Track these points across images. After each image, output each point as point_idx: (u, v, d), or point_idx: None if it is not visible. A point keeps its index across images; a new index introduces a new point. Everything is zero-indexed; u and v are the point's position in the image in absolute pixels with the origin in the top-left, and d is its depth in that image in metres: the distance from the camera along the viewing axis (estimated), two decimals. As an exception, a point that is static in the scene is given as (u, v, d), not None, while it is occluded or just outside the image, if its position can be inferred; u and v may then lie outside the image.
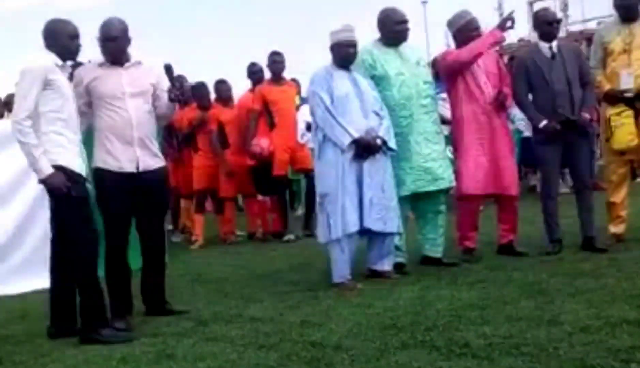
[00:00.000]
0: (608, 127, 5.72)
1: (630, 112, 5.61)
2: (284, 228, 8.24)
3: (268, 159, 7.98)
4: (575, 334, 3.48)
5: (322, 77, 5.35)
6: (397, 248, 5.51)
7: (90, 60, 4.81)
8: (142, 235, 4.84)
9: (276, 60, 8.14)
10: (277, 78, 8.14)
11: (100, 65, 4.70)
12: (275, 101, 7.97)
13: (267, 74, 8.30)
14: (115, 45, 4.65)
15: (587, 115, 5.66)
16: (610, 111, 5.70)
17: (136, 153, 4.64)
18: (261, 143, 7.91)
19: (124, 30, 4.69)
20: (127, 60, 4.71)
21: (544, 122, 5.67)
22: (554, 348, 3.29)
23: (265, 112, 8.06)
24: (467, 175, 5.68)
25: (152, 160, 4.73)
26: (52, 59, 4.35)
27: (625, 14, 5.76)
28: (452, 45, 6.20)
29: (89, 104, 4.65)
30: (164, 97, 4.80)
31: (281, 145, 7.97)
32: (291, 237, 8.06)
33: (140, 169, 4.66)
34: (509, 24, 5.73)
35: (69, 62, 4.52)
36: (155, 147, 4.82)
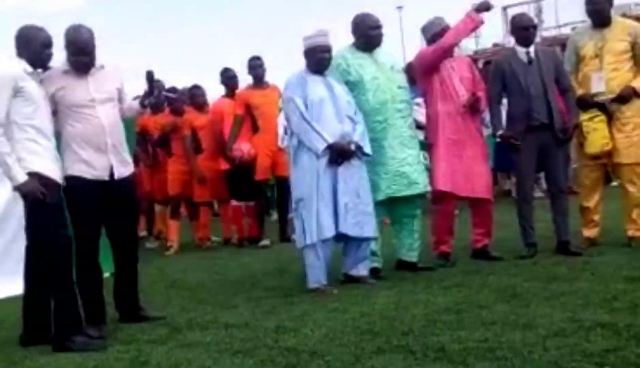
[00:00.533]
0: (581, 132, 5.77)
1: (603, 117, 5.67)
2: (260, 233, 8.21)
3: (249, 163, 7.94)
4: (549, 338, 3.49)
5: (297, 82, 5.35)
6: (373, 253, 5.51)
7: (53, 67, 4.64)
8: (113, 242, 4.80)
9: (257, 65, 8.14)
10: (259, 82, 8.12)
11: (65, 72, 4.59)
12: (258, 105, 7.95)
13: (241, 79, 8.32)
14: (88, 59, 4.57)
15: (573, 122, 5.70)
16: (583, 116, 5.75)
17: (110, 160, 4.60)
18: (242, 147, 7.88)
19: (93, 39, 4.59)
20: (93, 61, 4.63)
21: (500, 132, 5.77)
22: (529, 352, 3.30)
23: (248, 116, 8.03)
24: (442, 173, 5.69)
25: (124, 167, 4.69)
26: (22, 65, 4.29)
27: (597, 19, 5.81)
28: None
29: (54, 113, 4.55)
30: (128, 99, 4.78)
31: (264, 150, 7.96)
32: (267, 242, 8.04)
33: (115, 177, 4.62)
34: (485, 5, 5.67)
35: (39, 69, 4.45)
36: (126, 152, 4.78)
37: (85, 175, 4.56)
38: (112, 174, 4.62)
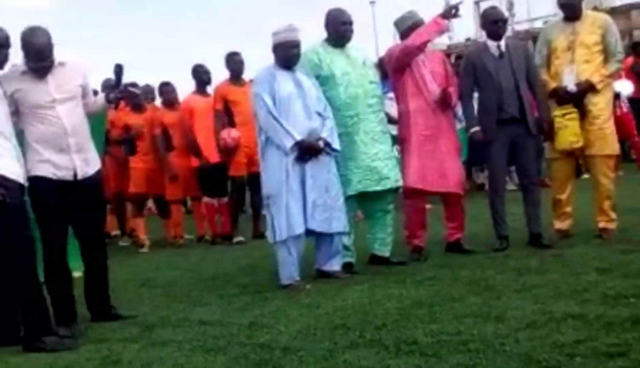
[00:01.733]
0: (552, 128, 5.80)
1: (574, 115, 5.69)
2: (233, 230, 8.18)
3: (234, 149, 7.83)
4: (521, 330, 3.51)
5: (265, 78, 5.32)
6: (346, 248, 5.52)
7: (14, 65, 4.54)
8: (81, 242, 4.74)
9: (236, 60, 8.08)
10: (237, 78, 8.08)
11: (24, 73, 4.49)
12: (237, 101, 7.87)
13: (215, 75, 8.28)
14: (46, 63, 4.48)
15: (547, 120, 5.74)
16: (556, 112, 5.78)
17: (73, 161, 4.53)
18: (232, 133, 7.78)
19: (50, 42, 4.49)
20: (52, 64, 4.53)
21: (474, 129, 5.79)
22: (500, 344, 3.31)
23: (225, 112, 7.98)
24: (413, 169, 5.69)
25: (88, 166, 4.62)
26: None
27: (569, 12, 5.85)
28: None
29: (14, 113, 4.45)
30: (91, 96, 4.72)
31: (241, 146, 7.90)
32: (241, 239, 8.01)
33: (78, 177, 4.55)
34: (453, 12, 5.71)
35: None
36: (92, 150, 4.71)
37: (49, 176, 4.49)
38: (75, 174, 4.54)
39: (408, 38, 5.75)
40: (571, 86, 5.68)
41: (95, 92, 5.11)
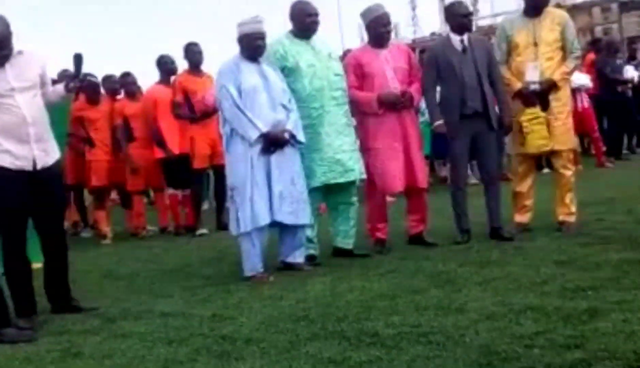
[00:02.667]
0: (520, 132, 5.86)
1: (542, 119, 5.77)
2: (197, 222, 8.15)
3: (210, 113, 7.77)
4: (481, 321, 3.55)
5: (230, 69, 5.30)
6: (309, 240, 5.53)
7: None
8: (41, 233, 4.67)
9: (195, 51, 8.02)
10: (196, 69, 8.03)
11: None
12: (197, 92, 7.84)
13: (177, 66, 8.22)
14: (5, 51, 4.41)
15: (509, 119, 5.79)
16: (522, 117, 5.83)
17: (33, 151, 4.44)
18: (206, 96, 7.69)
19: (9, 30, 4.41)
20: (10, 53, 4.45)
21: (438, 123, 5.81)
22: (460, 336, 3.35)
23: (186, 103, 7.93)
24: (385, 175, 5.71)
25: (48, 156, 4.55)
26: None
27: (535, 8, 5.88)
28: (366, 37, 6.26)
29: None
30: (50, 85, 4.67)
31: (203, 138, 7.86)
32: (204, 231, 7.98)
33: (38, 167, 4.48)
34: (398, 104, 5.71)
35: None
36: (51, 139, 4.64)
37: (8, 166, 4.41)
38: (35, 165, 4.47)
39: (358, 93, 5.74)
40: (535, 83, 5.74)
41: (54, 82, 5.04)
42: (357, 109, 5.80)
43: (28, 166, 4.46)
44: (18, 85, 4.43)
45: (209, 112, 7.67)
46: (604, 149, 10.89)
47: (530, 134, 5.78)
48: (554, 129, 5.79)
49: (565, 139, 5.86)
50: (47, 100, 4.66)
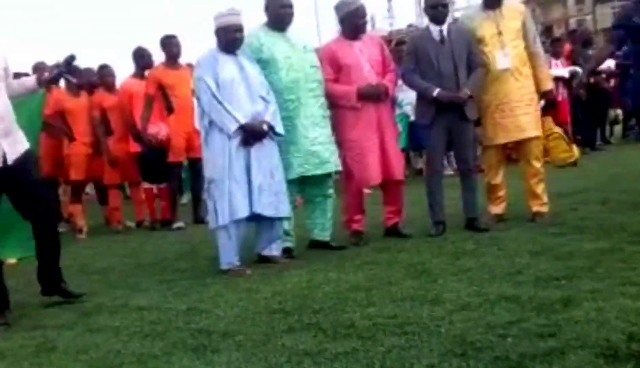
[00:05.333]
0: (490, 124, 5.93)
1: (557, 134, 5.87)
2: (173, 216, 8.12)
3: (163, 145, 7.82)
4: (456, 312, 3.57)
5: (208, 61, 5.28)
6: (286, 232, 5.53)
7: None
8: (32, 222, 4.62)
9: (172, 43, 7.98)
10: (173, 61, 7.98)
11: None
12: (173, 85, 7.79)
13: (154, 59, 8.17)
14: None
15: (466, 92, 5.76)
16: (491, 108, 5.90)
17: (2, 146, 4.42)
18: (154, 131, 7.74)
19: None
20: None
21: (437, 91, 5.73)
22: (436, 326, 3.37)
23: (161, 96, 7.89)
24: (363, 168, 5.72)
25: (16, 147, 4.50)
26: None
27: (496, 1, 5.92)
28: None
29: None
30: (11, 78, 4.64)
31: (178, 131, 7.83)
32: (180, 224, 7.96)
33: (8, 162, 4.44)
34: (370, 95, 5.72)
35: None
36: (18, 130, 4.58)
37: None
38: (5, 160, 4.43)
39: (335, 86, 5.75)
40: (507, 70, 5.79)
41: (26, 74, 4.99)
42: (334, 103, 5.80)
43: None
44: None
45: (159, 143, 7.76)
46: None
47: (553, 149, 5.85)
48: (518, 120, 5.83)
49: (536, 127, 5.91)
50: (11, 93, 4.60)
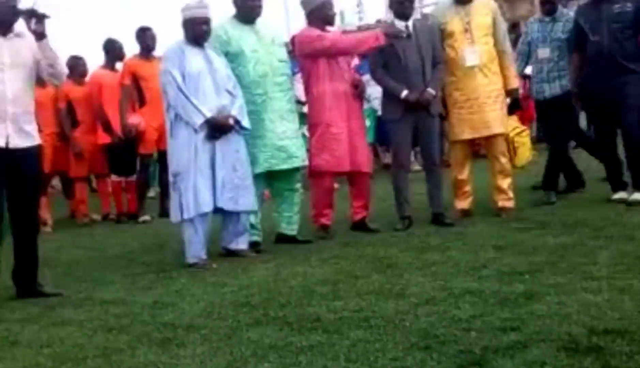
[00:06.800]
0: (456, 118, 5.99)
1: (525, 133, 5.96)
2: (140, 209, 8.06)
3: (137, 137, 7.75)
4: (420, 306, 3.60)
5: (174, 54, 5.25)
6: (253, 226, 5.52)
7: None
8: (12, 214, 4.62)
9: (148, 35, 7.93)
10: (148, 53, 7.92)
11: None
12: (146, 77, 7.72)
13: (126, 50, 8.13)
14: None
15: (431, 91, 5.80)
16: (457, 104, 5.96)
17: (7, 128, 4.45)
18: (133, 121, 7.67)
19: (8, 4, 4.46)
20: (10, 30, 4.49)
21: (404, 93, 5.76)
22: (401, 320, 3.39)
23: (134, 88, 7.83)
24: (328, 153, 5.72)
25: (21, 139, 4.55)
26: None
27: None
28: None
29: None
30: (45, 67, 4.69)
31: (150, 123, 7.77)
32: (147, 218, 7.91)
33: (10, 146, 4.47)
34: (394, 33, 5.72)
35: None
36: (32, 125, 4.64)
37: None
38: (7, 143, 4.46)
39: (344, 39, 5.80)
40: (476, 66, 5.84)
41: None
42: (359, 48, 5.92)
43: (1, 142, 4.42)
44: (9, 61, 4.44)
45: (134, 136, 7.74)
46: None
47: (521, 147, 5.89)
48: (486, 115, 5.88)
49: (504, 123, 5.95)
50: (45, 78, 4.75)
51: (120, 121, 7.79)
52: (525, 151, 5.91)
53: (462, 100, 5.92)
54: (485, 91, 5.88)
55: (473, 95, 5.89)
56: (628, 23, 5.86)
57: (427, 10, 19.25)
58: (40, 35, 4.70)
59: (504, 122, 5.96)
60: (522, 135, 5.92)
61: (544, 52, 6.31)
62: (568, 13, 6.55)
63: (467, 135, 5.97)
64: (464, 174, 6.06)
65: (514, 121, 5.93)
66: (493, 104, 5.88)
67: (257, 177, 5.47)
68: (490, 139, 5.98)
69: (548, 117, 6.51)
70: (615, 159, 6.18)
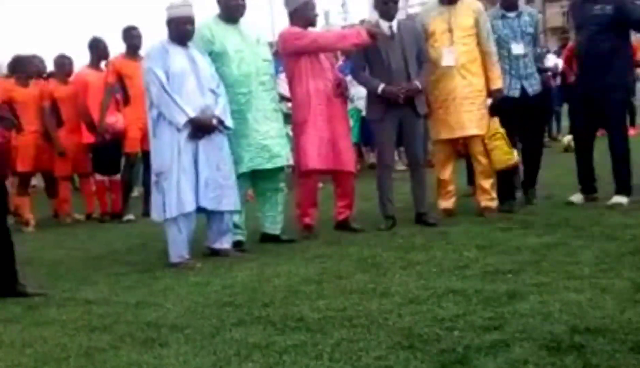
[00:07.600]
0: (438, 118, 6.03)
1: (499, 135, 5.93)
2: (124, 208, 8.03)
3: (118, 136, 7.74)
4: (404, 305, 3.62)
5: (158, 53, 5.24)
6: (237, 226, 5.52)
7: None
8: None
9: (134, 35, 7.90)
10: (133, 53, 7.89)
11: None
12: (131, 76, 7.67)
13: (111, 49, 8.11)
14: None
15: (417, 84, 5.80)
16: (437, 105, 6.00)
17: None
18: (112, 118, 7.66)
19: None
20: None
21: (381, 86, 5.76)
22: (384, 319, 3.41)
23: (119, 87, 7.81)
24: (312, 151, 5.70)
25: None
26: None
27: None
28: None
29: None
30: None
31: (135, 123, 7.73)
32: (131, 217, 7.88)
33: None
34: (379, 36, 5.68)
35: None
36: None
37: None
38: None
39: (326, 35, 5.84)
40: (451, 67, 5.87)
41: None
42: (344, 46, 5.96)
43: None
44: None
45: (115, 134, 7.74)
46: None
47: (494, 150, 5.90)
48: (469, 115, 5.90)
49: (481, 124, 5.95)
50: None
51: (99, 120, 7.77)
52: (501, 154, 5.90)
53: (440, 100, 5.96)
54: (462, 92, 5.90)
55: (450, 95, 5.92)
56: (604, 25, 5.89)
57: (412, 10, 19.37)
58: None
59: (480, 123, 5.94)
60: (495, 138, 5.91)
61: (518, 48, 6.21)
62: (527, 7, 6.62)
63: (443, 135, 6.00)
64: (447, 174, 6.08)
65: (496, 123, 5.93)
66: (470, 105, 5.90)
67: (240, 177, 5.47)
68: (468, 140, 6.01)
69: (523, 115, 6.25)
70: (589, 164, 6.21)
